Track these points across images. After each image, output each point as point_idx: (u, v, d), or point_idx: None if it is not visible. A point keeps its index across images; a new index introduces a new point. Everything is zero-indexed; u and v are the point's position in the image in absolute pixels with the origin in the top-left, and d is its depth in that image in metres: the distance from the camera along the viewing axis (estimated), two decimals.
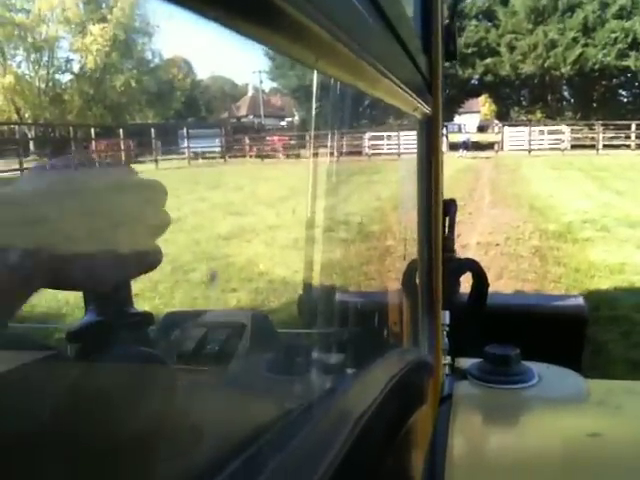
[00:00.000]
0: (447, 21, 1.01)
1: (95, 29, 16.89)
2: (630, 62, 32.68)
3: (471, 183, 14.85)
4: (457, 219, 1.16)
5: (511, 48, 33.27)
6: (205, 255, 6.26)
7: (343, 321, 0.94)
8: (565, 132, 28.92)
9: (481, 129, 37.19)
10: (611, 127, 29.52)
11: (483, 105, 39.94)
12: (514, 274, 6.08)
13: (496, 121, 34.38)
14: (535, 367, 1.07)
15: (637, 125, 28.76)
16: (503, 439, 0.95)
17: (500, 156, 25.46)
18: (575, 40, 32.78)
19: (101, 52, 17.15)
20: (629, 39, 32.52)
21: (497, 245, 7.49)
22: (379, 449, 0.65)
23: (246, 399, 0.63)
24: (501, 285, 5.50)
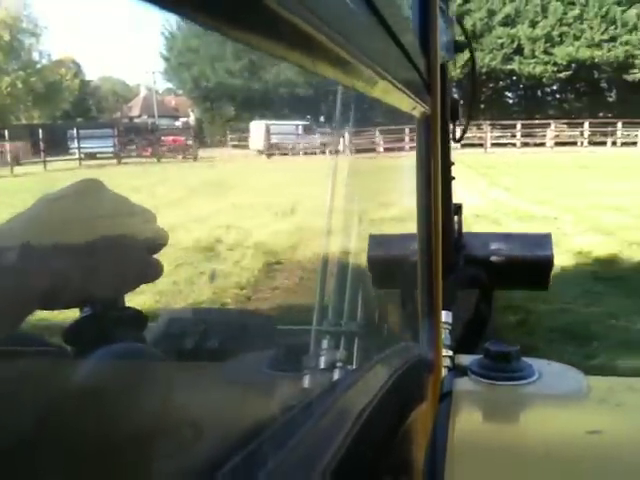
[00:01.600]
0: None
1: None
2: (515, 66, 35.05)
3: None
4: None
5: None
6: None
7: (344, 318, 0.94)
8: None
9: None
10: (498, 127, 31.13)
11: None
12: None
13: None
14: (535, 363, 1.08)
15: (522, 125, 30.53)
16: (503, 435, 0.96)
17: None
18: None
19: None
20: (514, 45, 34.93)
21: None
22: (379, 445, 0.65)
23: (246, 396, 0.63)
24: None
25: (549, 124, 30.50)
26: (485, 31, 34.79)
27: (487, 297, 1.49)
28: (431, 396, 0.99)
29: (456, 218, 1.76)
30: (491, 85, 36.43)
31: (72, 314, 0.54)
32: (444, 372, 1.10)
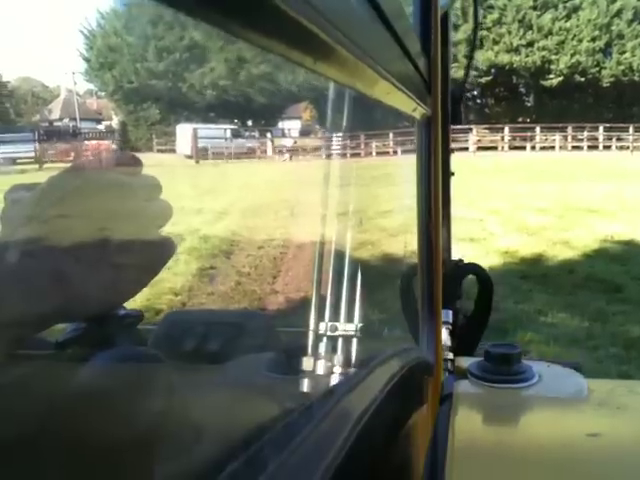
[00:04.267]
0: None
1: None
2: None
3: None
4: None
5: None
6: None
7: (343, 320, 0.93)
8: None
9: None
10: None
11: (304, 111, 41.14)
12: None
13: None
14: (536, 366, 1.08)
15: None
16: (504, 438, 0.95)
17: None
18: None
19: None
20: None
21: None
22: (380, 448, 0.65)
23: (246, 399, 0.63)
24: None
25: (471, 129, 31.43)
26: None
27: (487, 294, 1.50)
28: (431, 399, 0.98)
29: None
30: None
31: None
32: (444, 374, 1.10)
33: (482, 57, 34.70)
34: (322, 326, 0.91)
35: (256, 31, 0.27)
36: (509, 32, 34.84)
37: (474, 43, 1.75)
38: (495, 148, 30.87)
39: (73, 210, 0.47)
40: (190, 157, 21.61)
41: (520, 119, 34.96)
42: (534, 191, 13.30)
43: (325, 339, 0.90)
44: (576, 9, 33.71)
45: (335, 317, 0.93)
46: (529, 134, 31.24)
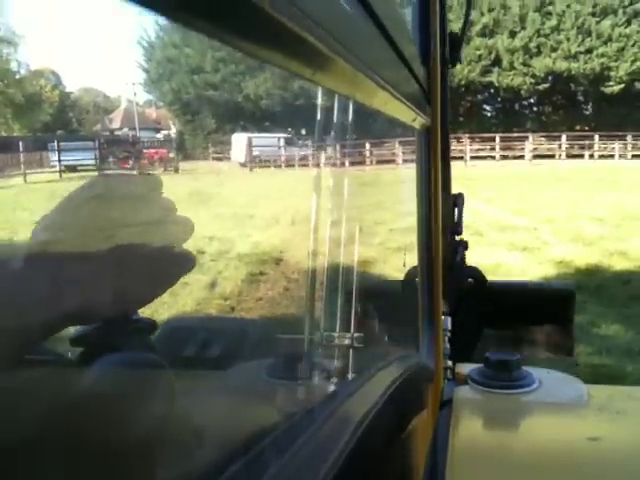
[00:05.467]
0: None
1: None
2: (493, 78, 34.88)
3: None
4: None
5: None
6: None
7: (344, 327, 0.94)
8: None
9: None
10: (477, 140, 31.40)
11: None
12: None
13: None
14: (535, 372, 1.09)
15: (501, 138, 30.82)
16: (503, 443, 0.96)
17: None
18: None
19: None
20: (492, 56, 34.74)
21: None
22: (380, 454, 0.65)
23: (246, 405, 0.63)
24: None
25: (527, 137, 30.83)
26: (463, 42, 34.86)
27: (485, 299, 1.49)
28: (431, 404, 0.99)
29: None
30: (469, 98, 36.65)
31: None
32: (444, 380, 1.11)
33: (539, 64, 33.91)
34: (323, 333, 0.92)
35: (255, 43, 0.28)
36: (567, 39, 33.94)
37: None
38: (552, 156, 30.20)
39: (94, 217, 0.49)
40: (244, 165, 21.88)
41: (578, 127, 34.02)
42: (591, 200, 12.93)
43: (327, 346, 0.91)
44: (637, 14, 32.59)
45: (337, 324, 0.94)
46: (587, 142, 30.43)
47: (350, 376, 0.89)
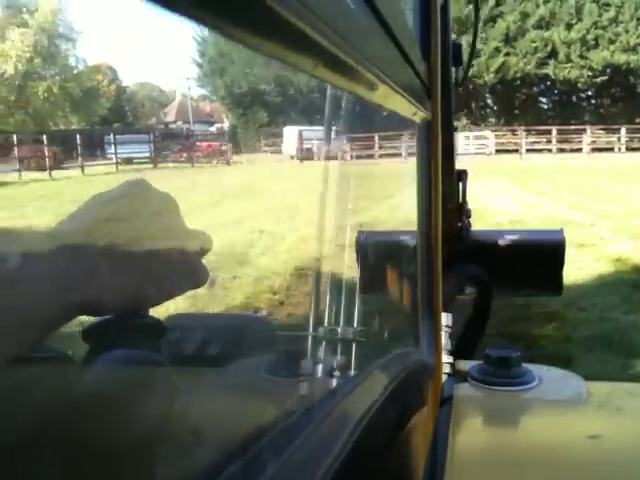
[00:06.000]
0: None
1: (15, 34, 16.32)
2: (549, 70, 34.21)
3: None
4: None
5: None
6: None
7: (344, 323, 0.94)
8: (489, 137, 29.97)
9: None
10: (533, 132, 30.80)
11: None
12: None
13: None
14: (535, 369, 1.08)
15: (557, 130, 30.11)
16: (504, 441, 0.95)
17: None
18: (497, 49, 33.97)
19: (22, 58, 16.63)
20: (548, 48, 34.08)
21: None
22: (379, 451, 0.65)
23: (246, 402, 0.63)
24: None
25: (585, 130, 30.06)
26: (519, 34, 34.11)
27: (486, 296, 1.47)
28: (431, 401, 0.98)
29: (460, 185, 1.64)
30: (525, 90, 35.94)
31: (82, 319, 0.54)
32: (444, 377, 1.10)
33: (597, 57, 33.11)
34: (323, 329, 0.92)
35: (256, 36, 0.27)
36: (626, 31, 33.01)
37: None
38: (611, 149, 29.37)
39: (119, 218, 0.51)
40: (294, 157, 22.00)
41: (638, 120, 32.91)
42: None
43: (326, 342, 0.91)
44: None
45: (336, 320, 0.94)
46: None
47: (350, 373, 0.89)
